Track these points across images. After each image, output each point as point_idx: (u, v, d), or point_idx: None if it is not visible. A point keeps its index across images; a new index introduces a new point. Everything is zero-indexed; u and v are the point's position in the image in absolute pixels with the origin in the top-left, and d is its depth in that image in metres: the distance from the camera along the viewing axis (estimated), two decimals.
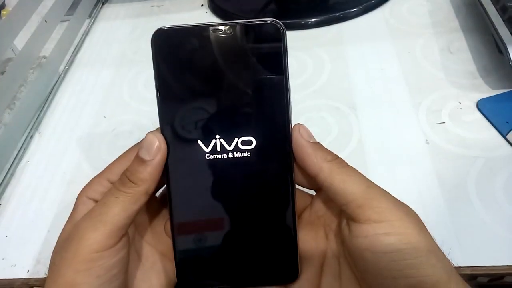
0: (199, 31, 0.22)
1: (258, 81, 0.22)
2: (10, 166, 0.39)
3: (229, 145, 0.23)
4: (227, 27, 0.22)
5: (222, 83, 0.22)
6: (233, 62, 0.22)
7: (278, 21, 0.22)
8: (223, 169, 0.23)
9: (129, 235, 0.23)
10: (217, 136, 0.22)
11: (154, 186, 0.22)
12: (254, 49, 0.22)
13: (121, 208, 0.21)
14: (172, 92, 0.22)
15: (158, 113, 0.23)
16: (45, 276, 0.31)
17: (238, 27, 0.22)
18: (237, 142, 0.22)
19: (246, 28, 0.22)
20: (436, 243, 0.21)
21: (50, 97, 0.46)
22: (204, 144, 0.23)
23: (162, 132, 0.23)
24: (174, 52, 0.22)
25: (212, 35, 0.22)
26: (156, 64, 0.22)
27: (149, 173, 0.22)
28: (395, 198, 0.22)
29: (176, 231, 0.23)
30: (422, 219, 0.21)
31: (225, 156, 0.23)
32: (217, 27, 0.22)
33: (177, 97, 0.22)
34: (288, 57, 0.22)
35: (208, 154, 0.23)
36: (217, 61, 0.22)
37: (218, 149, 0.22)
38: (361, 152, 0.35)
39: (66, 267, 0.20)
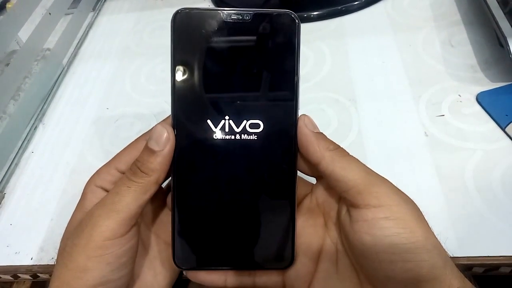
0: (218, 15, 0.23)
1: (270, 68, 0.23)
2: (15, 156, 0.40)
3: (238, 127, 0.23)
4: (246, 14, 0.23)
5: (236, 67, 0.23)
6: (248, 48, 0.23)
7: (294, 13, 0.23)
8: (229, 151, 0.23)
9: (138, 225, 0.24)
10: (227, 117, 0.23)
11: (164, 176, 0.23)
12: (270, 37, 0.23)
13: (133, 197, 0.22)
14: (186, 71, 0.23)
15: (171, 89, 0.23)
16: (48, 264, 0.32)
17: (256, 15, 0.23)
18: (245, 125, 0.23)
19: (264, 16, 0.23)
20: (432, 231, 0.21)
21: (54, 89, 0.47)
22: (214, 124, 0.23)
23: (174, 108, 0.23)
24: (192, 33, 0.23)
25: (230, 20, 0.23)
26: (173, 43, 0.23)
27: (159, 163, 0.22)
28: (394, 185, 0.22)
29: (177, 211, 0.24)
30: (421, 209, 0.22)
31: (233, 137, 0.23)
32: (236, 13, 0.23)
33: (191, 76, 0.23)
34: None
35: (216, 134, 0.23)
36: (233, 46, 0.23)
37: (227, 129, 0.23)
38: (360, 144, 0.35)
39: (78, 253, 0.21)
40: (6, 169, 0.39)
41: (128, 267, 0.23)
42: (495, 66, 0.39)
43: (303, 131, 0.23)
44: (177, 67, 0.23)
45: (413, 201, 0.22)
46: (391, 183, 0.22)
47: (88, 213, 0.23)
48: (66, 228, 0.24)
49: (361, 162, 0.23)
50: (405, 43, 0.43)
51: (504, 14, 0.37)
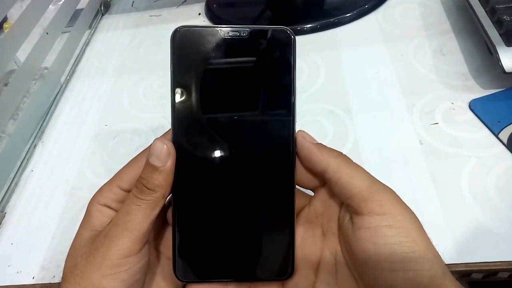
0: (216, 32, 0.23)
1: (268, 84, 0.24)
2: (15, 175, 0.40)
3: (236, 142, 0.24)
4: (243, 30, 0.23)
5: (234, 83, 0.24)
6: (245, 64, 0.24)
7: (289, 29, 0.23)
8: (228, 165, 0.24)
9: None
10: (225, 132, 0.24)
11: (169, 189, 0.23)
12: (266, 53, 0.24)
13: (144, 215, 0.22)
14: (186, 87, 0.23)
15: (171, 105, 0.23)
16: (50, 282, 0.32)
17: (252, 32, 0.23)
18: (244, 139, 0.24)
19: (260, 33, 0.23)
20: (431, 241, 0.22)
21: (52, 107, 0.47)
22: (212, 139, 0.24)
23: (174, 123, 0.24)
24: (191, 50, 0.23)
25: (228, 37, 0.23)
26: (173, 60, 0.23)
27: (163, 178, 0.23)
28: (397, 194, 0.23)
29: (177, 225, 0.24)
30: (417, 217, 0.22)
31: (231, 152, 0.24)
32: (233, 30, 0.23)
33: (191, 92, 0.24)
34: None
35: (215, 149, 0.24)
36: (230, 62, 0.24)
37: (225, 144, 0.24)
38: (356, 154, 0.36)
39: (93, 271, 0.21)
40: (6, 189, 0.39)
41: (140, 285, 0.23)
42: (486, 73, 0.39)
43: (304, 145, 0.24)
44: (177, 84, 0.23)
45: (412, 211, 0.22)
46: (395, 192, 0.23)
47: (101, 233, 0.23)
48: (73, 245, 0.24)
49: (365, 170, 0.23)
50: (397, 53, 0.44)
51: (492, 23, 0.38)
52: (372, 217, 0.21)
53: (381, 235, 0.21)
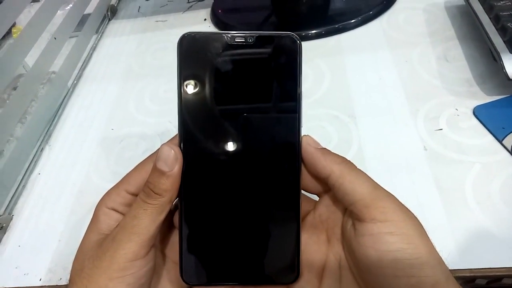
0: (223, 38, 0.24)
1: (274, 89, 0.24)
2: (22, 178, 0.41)
3: (243, 145, 0.24)
4: (249, 36, 0.23)
5: (240, 88, 0.24)
6: (252, 70, 0.24)
7: (295, 34, 0.24)
8: (234, 169, 0.24)
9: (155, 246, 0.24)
10: (232, 136, 0.24)
11: (176, 194, 0.24)
12: (273, 59, 0.24)
13: (151, 219, 0.23)
14: (192, 93, 0.24)
15: (178, 110, 0.24)
16: (57, 284, 0.32)
17: (259, 38, 0.24)
18: (251, 143, 0.24)
19: (267, 39, 0.24)
20: (434, 247, 0.22)
21: (60, 111, 0.48)
22: (219, 143, 0.24)
23: (181, 128, 0.24)
24: (197, 56, 0.24)
25: (234, 43, 0.24)
26: (179, 66, 0.24)
27: (171, 183, 0.23)
28: (399, 201, 0.23)
29: (184, 228, 0.24)
30: (421, 223, 0.22)
31: (238, 155, 0.24)
32: (240, 36, 0.23)
33: (197, 98, 0.24)
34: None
35: (222, 153, 0.24)
36: (237, 68, 0.24)
37: (232, 148, 0.24)
38: (361, 160, 0.36)
39: (99, 274, 0.22)
40: (13, 191, 0.40)
41: None
42: (490, 80, 0.40)
43: (308, 150, 0.24)
44: (184, 89, 0.24)
45: (416, 218, 0.22)
46: (397, 198, 0.23)
47: (108, 237, 0.23)
48: (80, 248, 0.24)
49: (368, 176, 0.23)
50: (401, 59, 0.44)
51: (496, 30, 0.38)
52: (375, 224, 0.22)
53: (383, 242, 0.21)
